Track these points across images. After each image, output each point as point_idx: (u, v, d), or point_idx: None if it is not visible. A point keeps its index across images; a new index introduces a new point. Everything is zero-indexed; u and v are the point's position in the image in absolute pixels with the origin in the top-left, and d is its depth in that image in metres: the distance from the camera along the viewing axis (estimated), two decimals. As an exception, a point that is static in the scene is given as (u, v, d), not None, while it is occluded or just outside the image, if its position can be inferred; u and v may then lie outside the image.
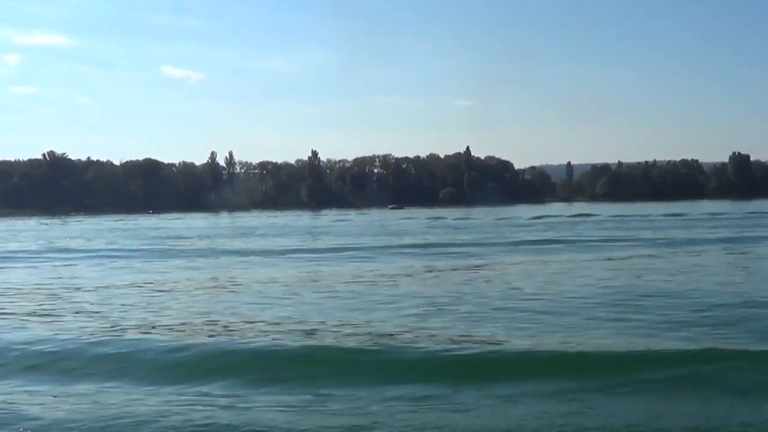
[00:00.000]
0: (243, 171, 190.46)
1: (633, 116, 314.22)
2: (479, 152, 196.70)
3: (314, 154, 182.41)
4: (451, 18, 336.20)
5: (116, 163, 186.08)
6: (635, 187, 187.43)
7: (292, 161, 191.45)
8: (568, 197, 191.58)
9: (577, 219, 71.56)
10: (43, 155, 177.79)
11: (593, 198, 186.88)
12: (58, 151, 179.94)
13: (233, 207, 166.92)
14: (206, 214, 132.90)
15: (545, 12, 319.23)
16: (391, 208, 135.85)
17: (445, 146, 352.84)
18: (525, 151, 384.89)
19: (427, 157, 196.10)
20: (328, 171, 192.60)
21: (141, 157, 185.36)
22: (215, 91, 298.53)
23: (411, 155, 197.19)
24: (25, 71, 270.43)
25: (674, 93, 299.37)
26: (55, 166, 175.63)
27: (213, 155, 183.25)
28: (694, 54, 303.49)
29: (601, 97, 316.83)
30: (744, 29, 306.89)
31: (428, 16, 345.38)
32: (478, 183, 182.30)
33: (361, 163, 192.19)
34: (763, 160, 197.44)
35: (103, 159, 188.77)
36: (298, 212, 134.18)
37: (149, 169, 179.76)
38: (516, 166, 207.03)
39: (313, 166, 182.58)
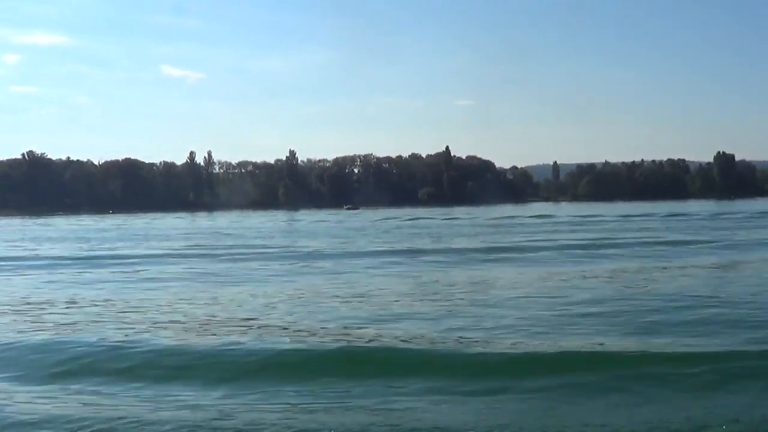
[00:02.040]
0: (222, 171, 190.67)
1: (632, 116, 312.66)
2: (478, 152, 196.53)
3: (292, 153, 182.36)
4: (450, 18, 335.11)
5: (96, 162, 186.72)
6: (618, 186, 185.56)
7: (272, 161, 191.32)
8: (549, 197, 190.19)
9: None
10: (23, 155, 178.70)
11: (575, 198, 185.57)
12: (49, 151, 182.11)
13: (213, 207, 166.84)
14: (165, 214, 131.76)
15: (545, 12, 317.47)
16: (347, 209, 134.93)
17: (443, 146, 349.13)
18: (523, 150, 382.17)
19: (408, 156, 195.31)
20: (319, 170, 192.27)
21: (122, 157, 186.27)
22: (214, 91, 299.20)
23: (407, 155, 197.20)
24: (25, 71, 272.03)
25: (673, 93, 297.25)
26: (34, 166, 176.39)
27: (192, 155, 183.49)
28: (693, 54, 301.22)
29: (600, 97, 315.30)
30: (740, 29, 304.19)
31: (428, 16, 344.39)
32: (458, 183, 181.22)
33: (342, 162, 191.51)
34: (748, 159, 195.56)
35: (84, 159, 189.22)
36: (273, 212, 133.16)
37: (128, 169, 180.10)
38: (512, 166, 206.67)
39: (291, 165, 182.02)
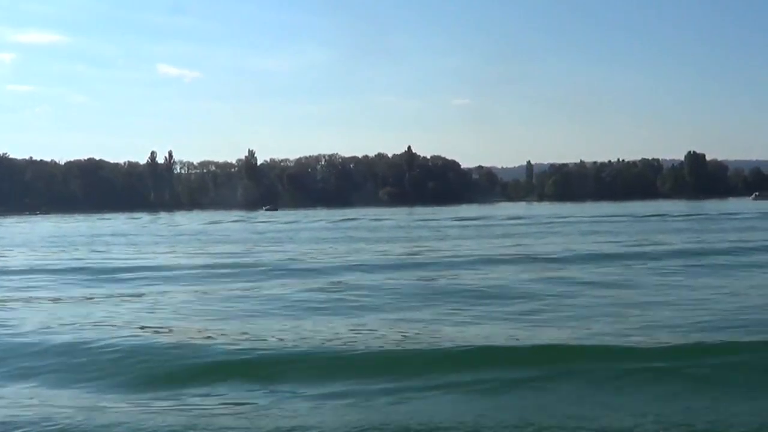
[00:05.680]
0: (183, 171, 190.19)
1: (626, 116, 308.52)
2: (473, 151, 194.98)
3: (251, 153, 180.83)
4: (449, 17, 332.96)
5: (60, 162, 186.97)
6: (585, 187, 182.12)
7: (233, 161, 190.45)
8: (514, 197, 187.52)
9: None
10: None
11: (542, 198, 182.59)
12: (45, 150, 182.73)
13: (172, 207, 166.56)
14: (123, 215, 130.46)
15: (543, 12, 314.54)
16: (266, 209, 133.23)
17: (439, 146, 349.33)
18: (523, 148, 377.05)
19: (374, 156, 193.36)
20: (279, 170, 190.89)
21: (85, 157, 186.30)
22: (211, 90, 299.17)
23: (373, 154, 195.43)
24: (20, 69, 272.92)
25: (673, 93, 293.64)
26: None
27: (153, 155, 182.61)
28: (694, 53, 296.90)
29: (594, 96, 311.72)
30: (718, 29, 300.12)
31: (426, 16, 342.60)
32: (420, 183, 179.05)
33: (306, 162, 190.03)
34: (719, 159, 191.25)
35: (48, 158, 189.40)
36: (236, 212, 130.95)
37: (89, 169, 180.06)
38: (477, 165, 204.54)
39: (249, 165, 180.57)
